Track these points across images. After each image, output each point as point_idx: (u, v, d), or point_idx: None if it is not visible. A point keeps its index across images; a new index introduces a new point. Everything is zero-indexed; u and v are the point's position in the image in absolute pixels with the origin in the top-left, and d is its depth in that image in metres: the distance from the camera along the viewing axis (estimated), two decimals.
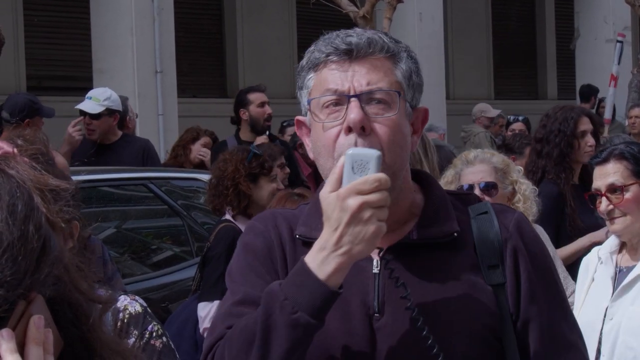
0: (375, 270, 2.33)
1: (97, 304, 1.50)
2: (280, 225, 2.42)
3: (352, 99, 2.29)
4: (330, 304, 2.17)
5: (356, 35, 2.34)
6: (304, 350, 2.20)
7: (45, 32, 15.27)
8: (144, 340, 3.16)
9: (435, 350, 2.24)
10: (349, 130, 2.28)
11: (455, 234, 2.35)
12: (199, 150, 9.40)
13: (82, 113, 8.26)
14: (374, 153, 2.20)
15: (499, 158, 5.02)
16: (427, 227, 2.35)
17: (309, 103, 2.35)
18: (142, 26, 12.58)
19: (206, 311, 5.57)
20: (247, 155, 5.81)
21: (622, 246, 4.15)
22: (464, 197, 2.52)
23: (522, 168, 5.23)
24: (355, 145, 2.26)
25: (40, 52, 15.15)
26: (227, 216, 5.77)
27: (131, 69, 12.47)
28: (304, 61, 2.40)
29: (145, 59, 12.61)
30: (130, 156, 8.12)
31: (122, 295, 3.26)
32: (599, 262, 4.17)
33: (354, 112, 2.28)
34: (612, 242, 4.19)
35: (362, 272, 2.32)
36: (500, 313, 2.32)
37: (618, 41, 14.55)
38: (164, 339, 3.21)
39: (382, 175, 2.17)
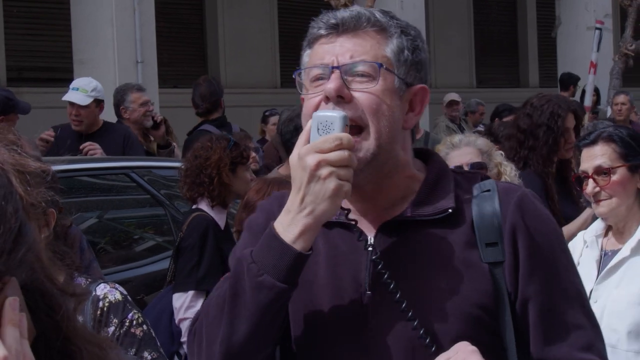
0: (369, 248, 2.32)
1: (70, 297, 1.49)
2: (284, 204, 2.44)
3: (333, 70, 2.29)
4: (297, 267, 2.19)
5: (348, 11, 2.36)
6: (275, 316, 2.22)
7: (25, 23, 15.20)
8: (124, 329, 3.13)
9: (421, 334, 2.24)
10: (328, 99, 2.29)
11: (450, 210, 2.33)
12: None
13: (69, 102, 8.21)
14: (339, 114, 2.22)
15: (482, 141, 5.04)
16: (422, 204, 2.34)
17: (294, 75, 2.38)
18: (122, 16, 12.53)
19: (181, 302, 5.52)
20: (228, 143, 5.72)
21: (608, 230, 4.16)
22: (470, 175, 2.49)
23: (503, 152, 5.22)
24: None
25: (21, 43, 15.07)
26: (201, 205, 5.68)
27: (112, 59, 12.42)
28: (304, 41, 2.43)
29: (125, 49, 12.56)
30: (112, 144, 8.11)
31: (102, 284, 3.24)
32: (584, 245, 4.17)
33: (332, 81, 2.28)
34: (597, 225, 4.20)
35: (356, 249, 2.32)
36: (496, 292, 2.29)
37: (597, 28, 14.59)
38: (145, 327, 3.19)
39: (344, 134, 2.20)
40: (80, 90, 8.25)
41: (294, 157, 2.23)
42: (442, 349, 2.21)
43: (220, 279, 2.39)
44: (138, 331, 3.14)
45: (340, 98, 2.28)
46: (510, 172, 4.97)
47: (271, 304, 2.19)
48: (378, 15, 2.37)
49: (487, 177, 2.47)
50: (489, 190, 2.37)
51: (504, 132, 8.13)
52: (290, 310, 2.33)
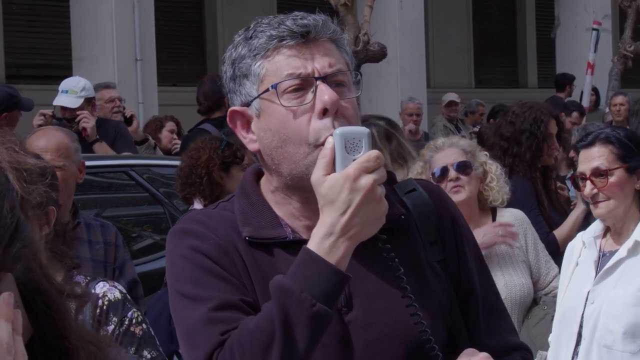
0: None
1: (68, 297, 1.49)
2: (220, 227, 2.31)
3: (319, 81, 2.21)
4: (342, 290, 2.13)
5: (310, 18, 2.27)
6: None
7: (24, 20, 15.19)
8: (124, 327, 3.13)
9: (428, 335, 2.22)
10: (323, 112, 2.20)
11: (402, 217, 2.31)
12: (169, 137, 9.53)
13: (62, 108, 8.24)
14: (365, 130, 2.14)
15: (465, 142, 5.09)
16: None
17: (274, 87, 2.23)
18: (122, 13, 12.53)
19: None
20: (220, 143, 5.76)
21: (607, 231, 4.16)
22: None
23: (487, 152, 5.24)
24: (334, 127, 2.18)
25: (19, 40, 15.07)
26: (196, 205, 5.72)
27: (111, 56, 12.43)
28: (241, 50, 2.28)
29: (125, 46, 12.57)
30: (104, 139, 8.17)
31: (102, 282, 3.24)
32: (583, 246, 4.17)
33: (327, 92, 2.20)
34: (596, 226, 4.20)
35: None
36: (448, 287, 2.32)
37: (594, 29, 14.61)
38: (144, 325, 3.18)
39: (378, 152, 2.13)
40: (70, 93, 8.27)
41: (329, 178, 2.12)
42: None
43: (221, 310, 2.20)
44: (137, 330, 3.14)
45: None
46: (495, 170, 4.99)
47: (325, 330, 2.11)
48: (330, 22, 2.31)
49: (396, 180, 2.45)
50: (414, 190, 2.38)
51: (489, 139, 8.16)
52: None
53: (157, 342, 3.23)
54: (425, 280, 2.29)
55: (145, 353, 3.14)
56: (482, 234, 4.70)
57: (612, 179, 4.04)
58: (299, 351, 2.09)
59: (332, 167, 2.13)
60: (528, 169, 5.90)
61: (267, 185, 2.35)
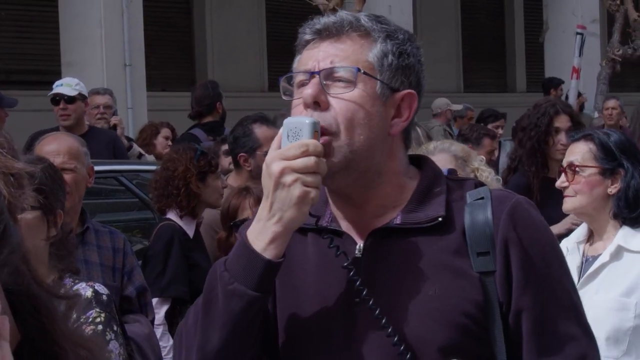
0: (358, 255, 2.28)
1: (59, 299, 1.48)
2: None
3: (314, 76, 2.27)
4: (268, 275, 2.18)
5: (332, 17, 2.33)
6: (250, 324, 2.21)
7: (13, 26, 15.16)
8: (76, 325, 3.13)
9: (395, 339, 2.20)
10: (305, 107, 2.26)
11: (440, 219, 2.28)
12: (163, 144, 9.54)
13: (54, 102, 8.19)
14: (307, 120, 2.20)
15: (458, 147, 5.06)
16: (412, 211, 2.29)
17: (279, 81, 2.35)
18: (110, 19, 12.52)
19: None
20: (195, 153, 5.74)
21: (590, 236, 4.16)
22: (463, 182, 2.43)
23: (483, 157, 5.25)
24: None
25: (8, 45, 15.04)
26: (170, 215, 5.70)
27: (100, 62, 12.42)
28: (296, 46, 2.41)
29: (114, 52, 12.56)
30: (98, 148, 8.09)
31: (82, 282, 3.25)
32: (567, 252, 4.17)
33: (309, 87, 2.26)
34: (579, 231, 4.19)
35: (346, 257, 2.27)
36: (487, 302, 2.24)
37: (578, 33, 14.64)
38: (99, 327, 3.17)
39: (311, 141, 2.17)
40: (65, 85, 8.29)
41: (264, 164, 2.23)
42: (423, 357, 2.20)
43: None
44: (88, 329, 3.12)
45: (317, 105, 2.25)
46: (487, 176, 4.98)
47: (243, 312, 2.18)
48: (363, 19, 2.32)
49: (482, 184, 2.42)
50: (482, 198, 2.32)
51: (477, 132, 8.36)
52: (278, 318, 2.32)
53: (109, 347, 3.22)
54: (447, 285, 2.24)
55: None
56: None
57: (582, 175, 4.07)
58: (216, 327, 2.20)
59: None
60: (526, 160, 6.04)
61: None
